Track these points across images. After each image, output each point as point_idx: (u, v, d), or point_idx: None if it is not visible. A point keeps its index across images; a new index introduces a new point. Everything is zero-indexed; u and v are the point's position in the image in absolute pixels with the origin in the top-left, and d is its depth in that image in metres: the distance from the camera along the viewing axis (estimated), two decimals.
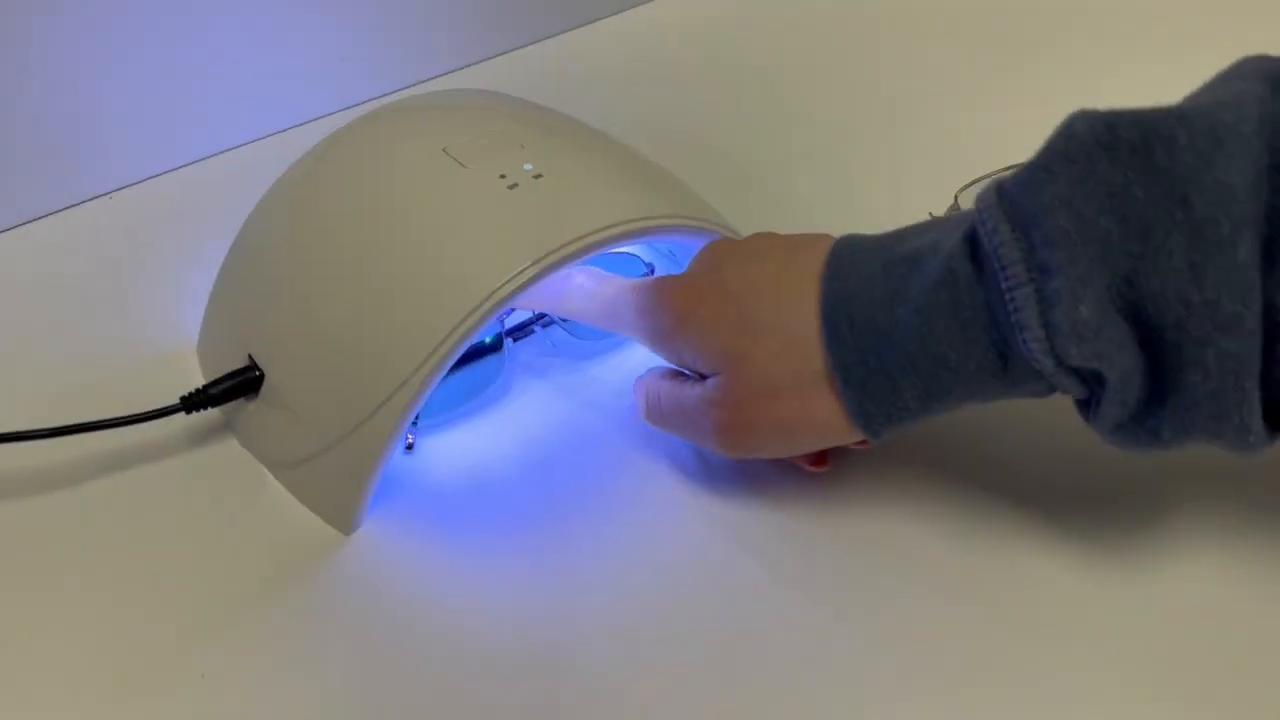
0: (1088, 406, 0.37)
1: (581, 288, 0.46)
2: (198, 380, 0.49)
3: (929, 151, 0.65)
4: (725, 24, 0.79)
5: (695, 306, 0.42)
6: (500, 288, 0.42)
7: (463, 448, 0.48)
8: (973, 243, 0.37)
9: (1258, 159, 0.33)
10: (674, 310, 0.42)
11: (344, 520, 0.44)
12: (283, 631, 0.41)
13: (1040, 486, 0.44)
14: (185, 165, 0.66)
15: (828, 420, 0.40)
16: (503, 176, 0.46)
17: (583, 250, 0.43)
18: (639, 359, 0.50)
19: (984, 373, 0.37)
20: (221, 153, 0.67)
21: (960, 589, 0.42)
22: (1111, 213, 0.34)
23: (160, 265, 0.59)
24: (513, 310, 0.48)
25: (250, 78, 0.67)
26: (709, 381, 0.42)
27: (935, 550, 0.43)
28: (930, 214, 0.57)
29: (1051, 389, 0.38)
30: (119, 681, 0.40)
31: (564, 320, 0.50)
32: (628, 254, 0.51)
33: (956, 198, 0.57)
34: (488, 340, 0.48)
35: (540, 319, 0.52)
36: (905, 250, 0.39)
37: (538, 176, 0.46)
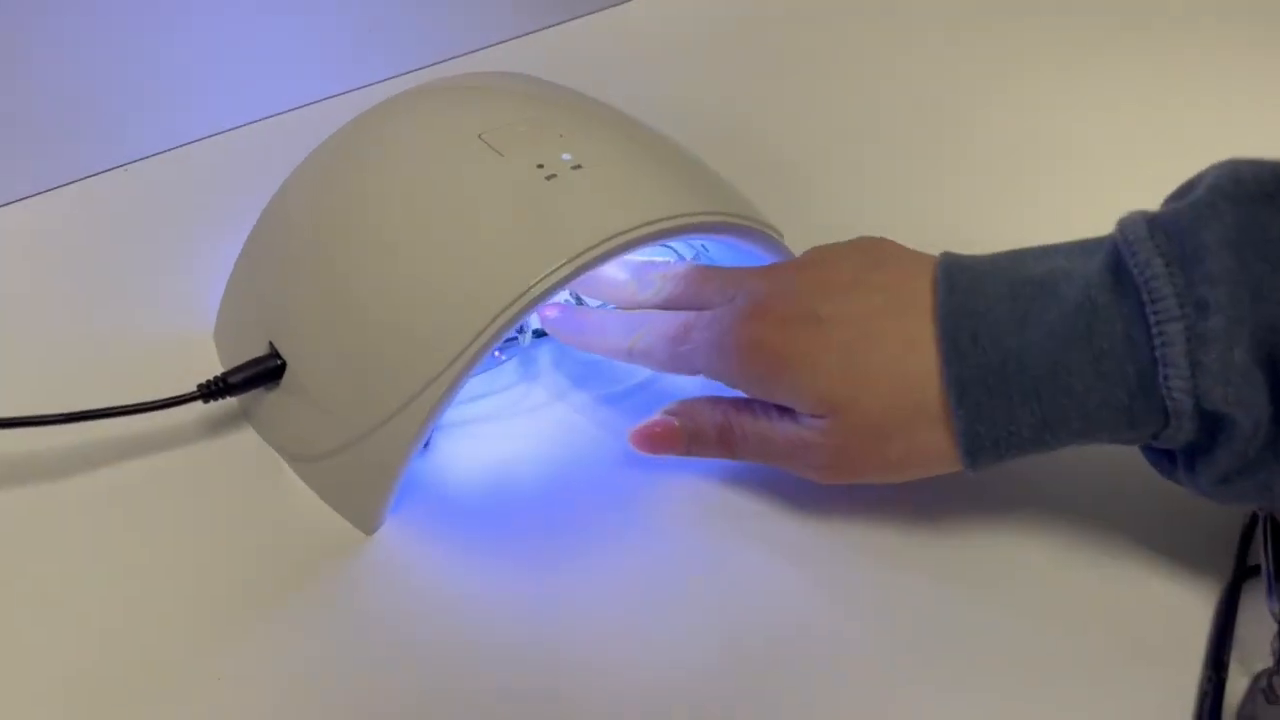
0: (1189, 458, 0.36)
1: (653, 331, 0.43)
2: (213, 365, 0.48)
3: (967, 148, 0.63)
4: (762, 5, 0.77)
5: (793, 349, 0.40)
6: (535, 284, 0.40)
7: (482, 450, 0.46)
8: (1115, 274, 0.36)
9: None
10: (769, 355, 0.40)
11: (366, 520, 0.43)
12: (302, 633, 0.40)
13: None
14: (203, 138, 0.65)
15: (935, 453, 0.39)
16: (540, 166, 0.44)
17: (621, 248, 0.42)
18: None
19: (1106, 409, 0.36)
20: (238, 127, 0.66)
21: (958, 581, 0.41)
22: (1266, 260, 0.34)
23: (176, 243, 0.57)
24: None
25: (268, 51, 0.65)
26: (807, 422, 0.40)
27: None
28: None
29: (1155, 435, 0.37)
30: (129, 682, 0.38)
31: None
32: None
33: None
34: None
35: None
36: (1031, 274, 0.38)
37: (576, 167, 0.44)
